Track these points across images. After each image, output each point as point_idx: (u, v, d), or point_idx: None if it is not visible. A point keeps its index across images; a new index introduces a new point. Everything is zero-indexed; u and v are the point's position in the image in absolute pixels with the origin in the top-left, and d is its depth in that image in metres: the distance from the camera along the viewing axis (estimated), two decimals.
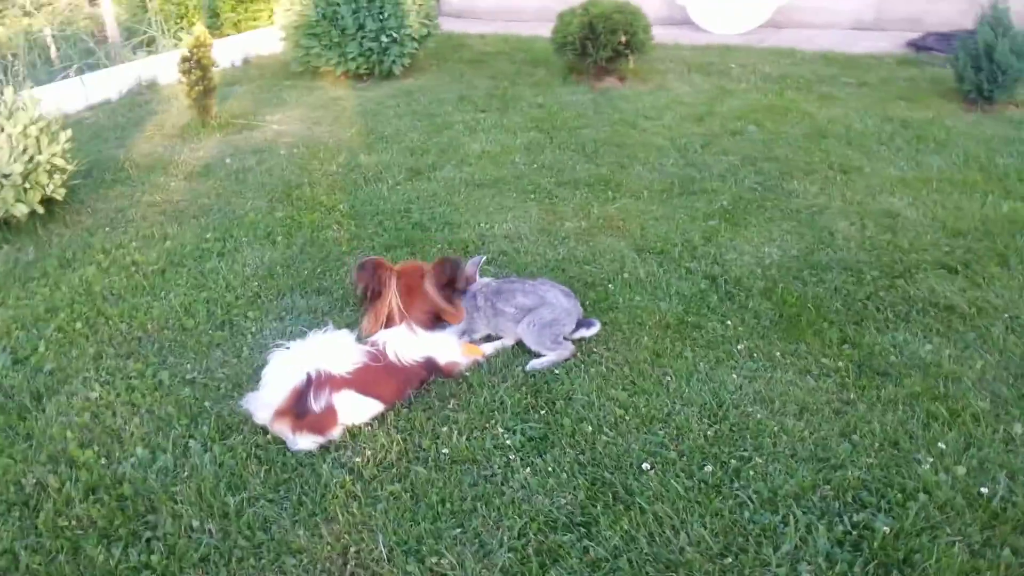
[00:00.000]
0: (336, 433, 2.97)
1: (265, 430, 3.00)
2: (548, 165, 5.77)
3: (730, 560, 2.38)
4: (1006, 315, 3.59)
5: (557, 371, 3.32)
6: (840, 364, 3.31)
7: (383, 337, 3.19)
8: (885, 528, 2.43)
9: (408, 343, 3.16)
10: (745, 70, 8.31)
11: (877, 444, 2.85)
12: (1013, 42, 6.43)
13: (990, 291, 3.84)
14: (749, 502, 2.60)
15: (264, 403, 2.95)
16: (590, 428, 2.99)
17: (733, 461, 2.80)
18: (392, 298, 3.20)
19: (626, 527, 2.53)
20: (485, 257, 3.31)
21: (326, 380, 2.92)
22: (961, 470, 2.68)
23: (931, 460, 2.73)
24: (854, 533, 2.46)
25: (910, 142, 6.03)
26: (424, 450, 2.93)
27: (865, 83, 7.71)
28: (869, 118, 6.63)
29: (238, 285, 4.16)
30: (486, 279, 3.62)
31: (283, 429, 2.93)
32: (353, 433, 3.00)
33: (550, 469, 2.80)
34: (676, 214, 4.84)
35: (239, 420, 3.07)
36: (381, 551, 2.47)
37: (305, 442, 2.91)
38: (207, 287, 4.17)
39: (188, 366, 3.45)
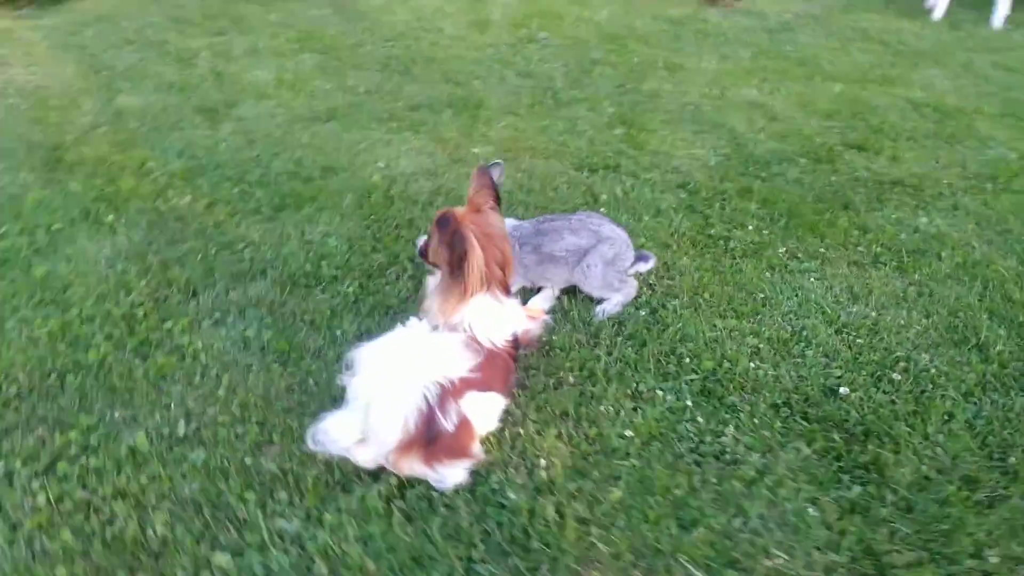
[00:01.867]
0: (477, 450, 2.16)
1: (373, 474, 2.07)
2: (373, 89, 4.96)
3: None
4: (945, 183, 3.84)
5: (635, 314, 2.84)
6: (875, 249, 3.29)
7: (465, 318, 2.37)
8: None
9: (496, 318, 2.38)
10: None
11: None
12: None
13: (912, 164, 4.08)
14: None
15: (375, 438, 2.04)
16: (737, 365, 2.58)
17: (898, 360, 2.64)
18: (476, 259, 2.36)
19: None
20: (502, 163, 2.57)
21: (449, 388, 2.08)
22: None
23: None
24: None
25: (696, 37, 6.25)
26: (602, 438, 2.29)
27: None
28: (639, 18, 6.72)
29: (108, 296, 2.90)
30: (514, 220, 2.91)
31: (414, 466, 2.07)
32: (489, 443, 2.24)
33: (754, 422, 2.37)
34: (578, 127, 4.41)
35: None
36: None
37: (454, 473, 2.10)
38: (54, 308, 2.83)
39: None
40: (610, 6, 7.04)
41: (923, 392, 2.48)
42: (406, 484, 2.08)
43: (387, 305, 2.80)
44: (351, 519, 2.01)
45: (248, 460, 2.16)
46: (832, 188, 3.69)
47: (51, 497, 2.04)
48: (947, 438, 2.30)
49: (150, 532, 1.96)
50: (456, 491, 2.07)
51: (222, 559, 1.89)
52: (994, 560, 1.91)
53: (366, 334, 2.53)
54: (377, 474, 2.10)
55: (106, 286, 2.91)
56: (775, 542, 1.97)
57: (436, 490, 2.07)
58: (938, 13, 6.95)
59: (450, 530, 1.98)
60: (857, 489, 2.11)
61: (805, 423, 2.32)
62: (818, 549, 1.96)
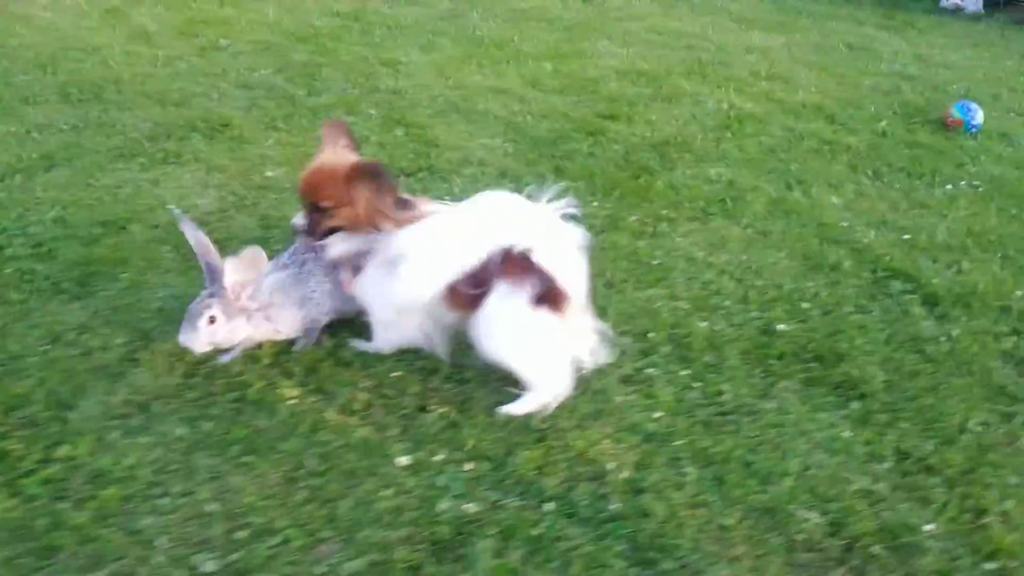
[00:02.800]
0: None
1: None
2: (79, 124, 4.28)
3: None
4: (700, 138, 4.51)
5: None
6: (700, 203, 3.74)
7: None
8: None
9: None
10: None
11: None
12: None
13: (664, 125, 4.71)
14: None
15: None
16: (691, 329, 2.79)
17: (792, 291, 3.08)
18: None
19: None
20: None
21: None
22: None
23: None
24: None
25: (382, 30, 6.35)
26: (638, 426, 2.35)
27: None
28: (310, 15, 6.61)
29: None
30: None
31: None
32: None
33: (739, 375, 2.61)
34: (359, 133, 4.22)
35: None
36: None
37: None
38: None
39: None
40: (268, 6, 6.65)
41: (830, 312, 2.88)
42: None
43: None
44: None
45: None
46: (624, 157, 4.00)
47: None
48: (876, 343, 2.73)
49: None
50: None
51: None
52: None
53: None
54: None
55: None
56: (841, 468, 2.19)
57: None
58: None
59: None
60: (855, 404, 2.40)
61: (777, 361, 2.55)
62: (867, 462, 2.22)
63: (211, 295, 2.29)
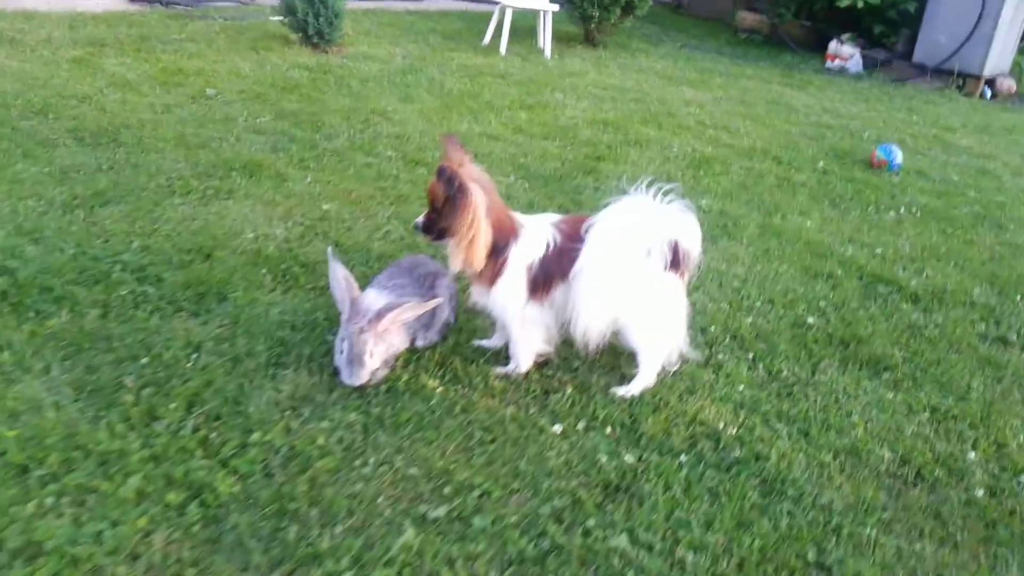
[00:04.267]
0: None
1: None
2: (109, 165, 4.44)
3: None
4: (680, 174, 5.08)
5: None
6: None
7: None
8: None
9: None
10: (43, 40, 7.03)
11: None
12: None
13: (641, 165, 5.26)
14: None
15: None
16: (739, 324, 3.35)
17: (806, 295, 3.69)
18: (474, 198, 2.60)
19: None
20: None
21: None
22: None
23: None
24: None
25: (353, 82, 6.71)
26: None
27: (192, 39, 7.61)
28: (279, 69, 6.88)
29: None
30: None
31: None
32: None
33: (789, 359, 3.16)
34: (383, 172, 4.67)
35: None
36: None
37: None
38: None
39: None
40: (236, 59, 6.95)
41: (840, 308, 3.51)
42: None
43: None
44: None
45: None
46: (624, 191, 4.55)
47: None
48: (883, 330, 3.37)
49: None
50: None
51: None
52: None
53: None
54: None
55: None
56: (892, 419, 2.78)
57: None
58: (503, 50, 8.38)
59: None
60: (886, 375, 3.03)
61: (815, 345, 3.17)
62: (909, 414, 2.82)
63: (362, 330, 2.57)
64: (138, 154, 4.45)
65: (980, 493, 2.39)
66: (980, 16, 8.72)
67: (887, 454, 2.53)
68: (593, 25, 9.39)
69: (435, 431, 2.45)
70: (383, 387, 2.63)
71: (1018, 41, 9.52)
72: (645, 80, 7.90)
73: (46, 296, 2.99)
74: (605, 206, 2.52)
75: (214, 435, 2.37)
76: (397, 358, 2.74)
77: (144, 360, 2.68)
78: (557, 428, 2.50)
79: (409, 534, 2.04)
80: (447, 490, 2.22)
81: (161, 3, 8.99)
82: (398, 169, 4.54)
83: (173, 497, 2.12)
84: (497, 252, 2.53)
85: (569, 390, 2.70)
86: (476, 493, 2.22)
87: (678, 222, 2.52)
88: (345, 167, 4.50)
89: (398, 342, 2.68)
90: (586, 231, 2.52)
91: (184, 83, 5.93)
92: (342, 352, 2.58)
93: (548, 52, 8.54)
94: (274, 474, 2.25)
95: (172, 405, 2.44)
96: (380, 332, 2.57)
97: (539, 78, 7.40)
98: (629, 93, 7.20)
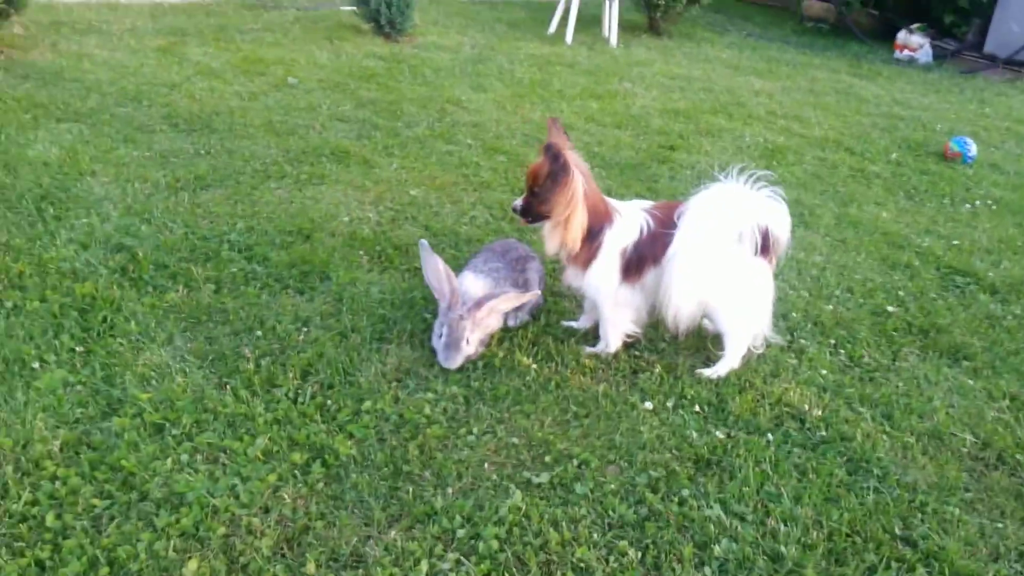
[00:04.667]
0: None
1: None
2: (207, 151, 4.73)
3: None
4: (740, 162, 5.11)
5: None
6: None
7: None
8: None
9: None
10: (128, 29, 7.33)
11: None
12: None
13: (715, 153, 5.34)
14: None
15: None
16: (819, 310, 3.43)
17: (883, 283, 3.75)
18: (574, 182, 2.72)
19: None
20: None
21: None
22: None
23: None
24: None
25: (429, 72, 6.86)
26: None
27: (269, 29, 7.86)
28: (356, 59, 7.06)
29: None
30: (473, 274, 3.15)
31: None
32: None
33: (867, 347, 3.26)
34: (464, 156, 4.84)
35: None
36: None
37: None
38: None
39: None
40: (313, 47, 7.17)
41: (919, 298, 3.59)
42: None
43: None
44: None
45: None
46: (698, 180, 4.63)
47: None
48: (962, 320, 3.43)
49: None
50: None
51: None
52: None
53: None
54: None
55: None
56: (973, 405, 2.85)
57: None
58: (568, 38, 8.47)
59: None
60: (966, 363, 3.09)
61: (895, 333, 3.24)
62: (989, 401, 2.89)
63: (461, 317, 2.71)
64: (231, 140, 4.67)
65: None
66: None
67: (969, 438, 2.61)
68: (659, 14, 9.40)
69: (532, 404, 2.61)
70: (480, 363, 2.78)
71: None
72: (712, 69, 7.93)
73: (162, 272, 3.20)
74: (697, 192, 2.61)
75: (329, 402, 2.55)
76: (492, 337, 2.89)
77: (259, 332, 2.87)
78: (648, 405, 2.64)
79: (516, 497, 2.20)
80: (547, 459, 2.38)
81: None
82: (478, 157, 4.69)
83: (297, 457, 2.30)
84: (592, 236, 2.66)
85: (657, 369, 2.83)
86: (575, 462, 2.37)
87: (768, 208, 2.61)
88: (427, 155, 4.67)
89: (494, 323, 2.83)
90: (679, 217, 2.63)
91: (265, 72, 6.16)
92: (441, 336, 2.74)
93: (614, 41, 8.61)
94: (386, 439, 2.43)
95: (289, 374, 2.62)
96: (479, 320, 2.71)
97: (607, 67, 7.48)
98: (697, 82, 7.24)
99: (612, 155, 4.96)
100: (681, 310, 2.65)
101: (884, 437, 2.57)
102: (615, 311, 2.77)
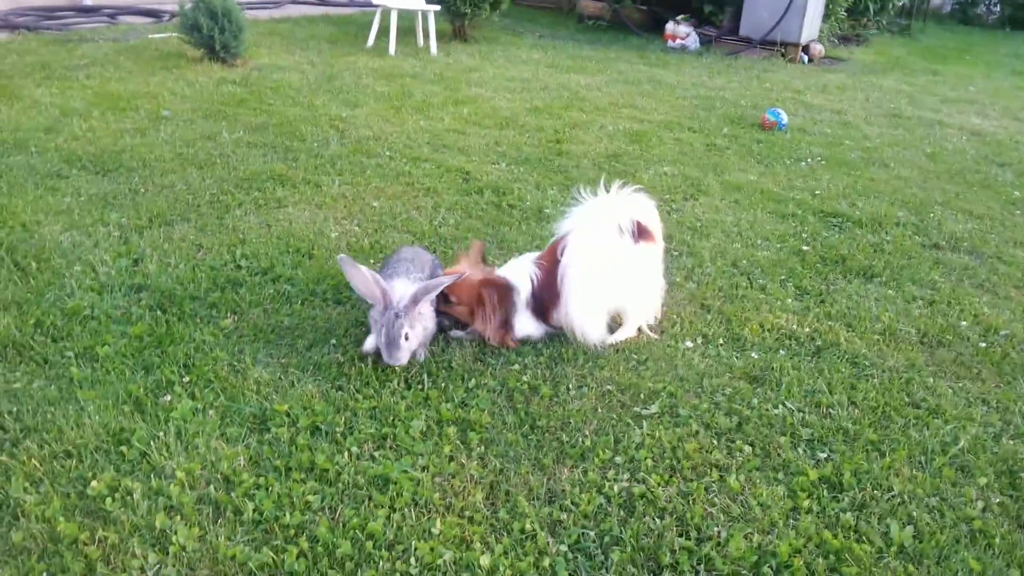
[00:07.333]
0: None
1: None
2: (136, 189, 4.72)
3: None
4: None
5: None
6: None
7: None
8: None
9: None
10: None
11: None
12: None
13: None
14: None
15: None
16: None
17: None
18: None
19: None
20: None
21: None
22: None
23: None
24: None
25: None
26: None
27: (97, 63, 7.60)
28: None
29: None
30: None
31: None
32: None
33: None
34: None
35: None
36: None
37: None
38: None
39: None
40: (153, 80, 7.10)
41: (818, 237, 4.53)
42: None
43: None
44: None
45: None
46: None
47: None
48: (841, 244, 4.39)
49: None
50: None
51: None
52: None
53: None
54: None
55: None
56: (914, 310, 3.77)
57: None
58: (392, 50, 8.93)
59: None
60: (876, 279, 4.10)
61: (820, 265, 4.18)
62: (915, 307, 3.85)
63: (397, 315, 2.83)
64: (157, 176, 4.70)
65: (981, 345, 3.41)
66: None
67: (911, 330, 3.52)
68: (466, 22, 10.05)
69: (604, 359, 3.16)
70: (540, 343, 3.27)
71: (822, 10, 11.26)
72: (536, 70, 8.72)
73: (197, 304, 3.35)
74: (567, 215, 3.20)
75: (435, 391, 2.93)
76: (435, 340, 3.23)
77: (333, 341, 3.16)
78: (688, 343, 3.29)
79: (643, 427, 2.75)
80: (642, 396, 2.95)
81: (28, 29, 8.71)
82: (407, 166, 5.09)
83: (451, 431, 2.70)
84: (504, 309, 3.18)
85: (673, 316, 3.47)
86: (664, 395, 2.96)
87: (633, 202, 3.20)
88: (360, 170, 4.98)
89: (429, 324, 3.07)
90: (561, 251, 3.16)
91: (129, 107, 6.05)
92: (382, 336, 2.87)
93: (434, 50, 9.15)
94: (504, 406, 2.87)
95: (388, 371, 2.97)
96: (414, 317, 2.92)
97: (448, 75, 8.01)
98: (533, 83, 7.99)
99: (515, 153, 5.55)
100: (586, 322, 3.17)
101: (858, 340, 3.39)
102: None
